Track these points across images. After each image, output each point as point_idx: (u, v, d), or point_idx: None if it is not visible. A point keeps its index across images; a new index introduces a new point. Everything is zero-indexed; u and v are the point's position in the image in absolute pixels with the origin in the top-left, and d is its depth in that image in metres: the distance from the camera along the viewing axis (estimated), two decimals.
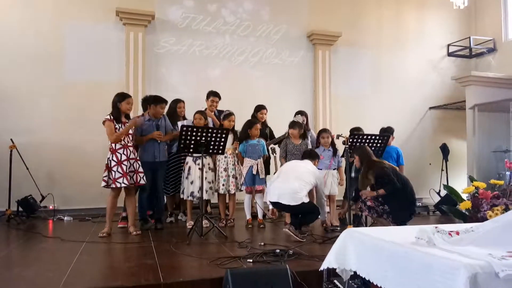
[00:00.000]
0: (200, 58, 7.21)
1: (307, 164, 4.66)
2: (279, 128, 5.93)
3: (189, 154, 4.96)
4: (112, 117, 4.51)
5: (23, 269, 3.25)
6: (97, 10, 6.67)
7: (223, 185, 5.08)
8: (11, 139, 5.75)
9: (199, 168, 4.77)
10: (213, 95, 5.71)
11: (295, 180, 4.42)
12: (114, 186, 4.43)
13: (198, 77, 7.13)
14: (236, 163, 5.17)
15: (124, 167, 4.43)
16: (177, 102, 5.59)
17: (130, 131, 4.59)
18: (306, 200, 4.44)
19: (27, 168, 5.78)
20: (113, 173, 4.42)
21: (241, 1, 7.52)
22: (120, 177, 4.40)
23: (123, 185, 4.41)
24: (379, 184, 4.33)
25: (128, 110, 4.68)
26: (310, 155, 4.82)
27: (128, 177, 4.44)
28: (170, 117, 5.29)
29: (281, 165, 5.14)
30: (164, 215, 5.28)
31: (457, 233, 2.04)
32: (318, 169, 5.26)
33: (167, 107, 5.23)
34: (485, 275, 1.63)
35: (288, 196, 4.38)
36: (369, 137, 4.75)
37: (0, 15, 6.27)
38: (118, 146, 4.49)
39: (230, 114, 5.27)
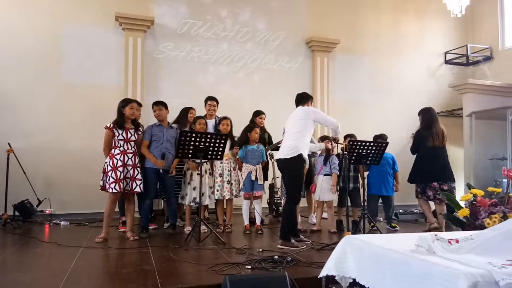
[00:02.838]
0: (199, 64, 7.23)
1: (296, 114, 4.46)
2: (277, 134, 5.93)
3: (192, 160, 4.95)
4: (112, 125, 4.52)
5: (20, 274, 3.22)
6: (96, 14, 6.68)
7: (217, 190, 5.09)
8: (9, 143, 5.73)
9: (197, 174, 4.77)
10: (210, 99, 5.71)
11: (285, 141, 4.38)
12: (107, 191, 4.44)
13: (196, 83, 7.15)
14: (232, 169, 5.17)
15: (118, 173, 4.42)
16: (188, 109, 5.58)
17: (133, 138, 4.58)
18: (300, 152, 4.20)
19: (24, 172, 5.76)
20: (108, 178, 4.43)
21: (241, 8, 7.55)
22: (113, 182, 4.39)
23: (114, 190, 4.39)
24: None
25: (133, 116, 4.63)
26: (301, 99, 4.61)
27: (121, 184, 4.42)
28: (181, 124, 5.29)
29: None
30: (175, 221, 5.23)
31: (457, 241, 2.04)
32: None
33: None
34: (485, 284, 1.62)
35: (280, 151, 4.38)
36: (367, 144, 4.75)
37: None
38: (116, 151, 4.49)
39: (222, 118, 5.28)
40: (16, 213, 5.66)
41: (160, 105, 4.99)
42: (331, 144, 4.90)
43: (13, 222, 5.45)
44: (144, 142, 4.84)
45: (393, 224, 5.53)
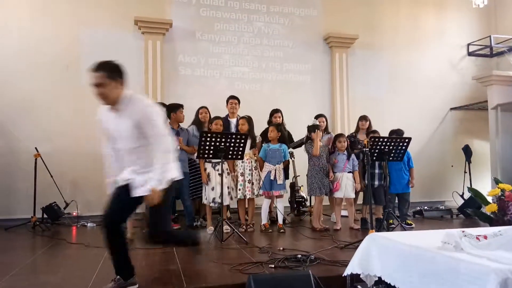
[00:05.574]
0: (217, 65, 7.26)
1: None
2: (298, 131, 5.92)
3: (208, 160, 5.00)
4: None
5: (49, 275, 3.31)
6: (115, 18, 6.78)
7: (239, 190, 5.10)
8: (36, 148, 5.89)
9: (218, 174, 4.79)
10: (231, 98, 5.76)
11: None
12: None
13: (216, 84, 7.19)
14: (253, 168, 5.18)
15: None
16: (198, 109, 5.67)
17: None
18: None
19: (51, 176, 5.90)
20: None
21: (257, 7, 7.54)
22: None
23: None
24: None
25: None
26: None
27: None
28: (196, 125, 5.39)
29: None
30: (191, 222, 5.30)
31: (485, 237, 2.00)
32: (333, 172, 5.28)
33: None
34: None
35: None
36: (389, 140, 4.69)
37: (19, 22, 6.41)
38: None
39: (240, 118, 5.30)
40: (45, 215, 5.81)
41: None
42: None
43: (41, 225, 5.59)
44: None
45: (408, 221, 5.41)
